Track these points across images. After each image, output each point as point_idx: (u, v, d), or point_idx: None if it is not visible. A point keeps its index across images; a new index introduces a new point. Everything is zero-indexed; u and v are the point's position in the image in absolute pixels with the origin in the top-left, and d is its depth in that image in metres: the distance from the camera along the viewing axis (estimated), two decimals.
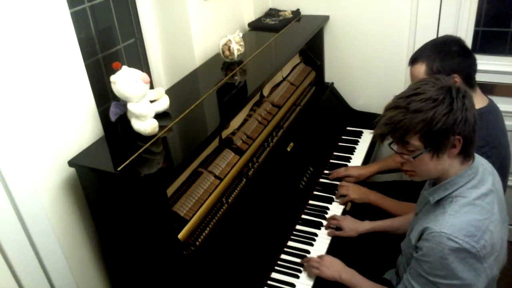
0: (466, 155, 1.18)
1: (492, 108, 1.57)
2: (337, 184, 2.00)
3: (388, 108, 1.18)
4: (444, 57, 1.48)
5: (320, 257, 1.59)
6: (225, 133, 1.74)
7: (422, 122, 1.12)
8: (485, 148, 1.46)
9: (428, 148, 1.15)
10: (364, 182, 2.06)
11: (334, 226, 1.75)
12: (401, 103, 1.15)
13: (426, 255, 1.17)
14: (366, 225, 1.71)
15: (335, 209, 1.87)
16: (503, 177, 1.53)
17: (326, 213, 1.85)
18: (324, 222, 1.79)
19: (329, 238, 1.73)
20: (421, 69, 1.52)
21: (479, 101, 1.54)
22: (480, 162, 1.24)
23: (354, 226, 1.71)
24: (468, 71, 1.50)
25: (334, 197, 1.93)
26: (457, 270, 1.12)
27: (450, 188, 1.20)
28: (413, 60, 1.56)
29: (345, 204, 1.88)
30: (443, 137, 1.13)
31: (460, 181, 1.19)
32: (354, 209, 1.86)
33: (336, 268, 1.52)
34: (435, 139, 1.13)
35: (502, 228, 1.21)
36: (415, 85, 1.18)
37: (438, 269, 1.15)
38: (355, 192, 1.88)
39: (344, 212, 1.85)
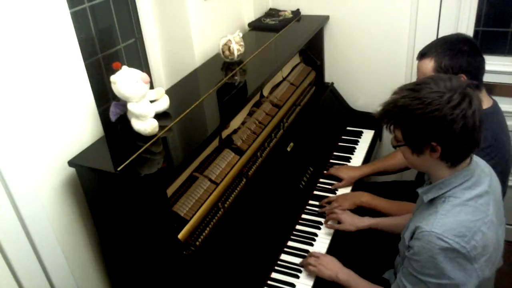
0: (452, 163, 1.16)
1: (496, 110, 1.56)
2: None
3: (392, 94, 1.19)
4: (454, 55, 1.46)
5: (317, 255, 1.59)
6: (225, 133, 1.74)
7: (403, 119, 1.15)
8: (489, 149, 1.45)
9: (407, 144, 1.18)
10: (363, 182, 2.07)
11: (333, 220, 1.76)
12: (396, 95, 1.17)
13: (416, 254, 1.17)
14: (365, 221, 1.71)
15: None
16: (505, 178, 1.53)
17: (324, 214, 1.85)
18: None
19: (329, 238, 1.73)
20: (429, 64, 1.50)
21: (484, 102, 1.52)
22: (478, 163, 1.24)
23: (353, 221, 1.71)
24: (476, 72, 1.48)
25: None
26: (446, 269, 1.12)
27: (444, 188, 1.19)
28: (422, 55, 1.54)
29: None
30: (421, 139, 1.14)
31: (455, 181, 1.18)
32: (356, 209, 1.86)
33: (333, 268, 1.52)
34: (413, 138, 1.16)
35: (498, 229, 1.21)
36: (422, 80, 1.17)
37: (428, 268, 1.15)
38: (345, 201, 1.83)
39: None
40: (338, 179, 2.01)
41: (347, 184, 1.98)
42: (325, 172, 2.05)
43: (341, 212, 1.75)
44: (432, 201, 1.23)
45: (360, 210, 1.84)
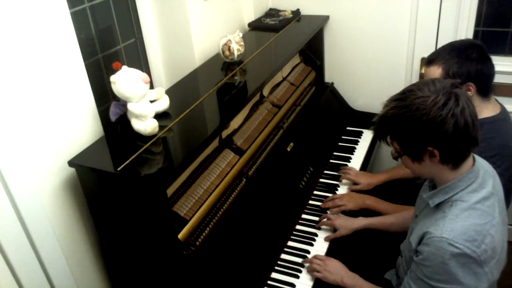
0: (454, 164, 1.16)
1: (504, 116, 1.53)
2: (337, 185, 2.00)
3: (382, 108, 1.19)
4: (463, 63, 1.43)
5: (323, 258, 1.58)
6: (225, 133, 1.74)
7: (396, 129, 1.16)
8: (495, 158, 1.42)
9: (406, 153, 1.19)
10: None
11: (327, 227, 1.74)
12: (386, 107, 1.17)
13: (426, 260, 1.16)
14: (359, 222, 1.70)
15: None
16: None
17: (326, 213, 1.85)
18: None
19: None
20: (437, 72, 1.47)
21: (492, 109, 1.51)
22: (481, 165, 1.23)
23: (347, 224, 1.70)
24: (485, 80, 1.46)
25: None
26: (458, 275, 1.11)
27: (450, 192, 1.19)
28: (430, 61, 1.51)
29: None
30: (417, 146, 1.14)
31: (460, 185, 1.17)
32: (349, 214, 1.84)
33: (338, 273, 1.51)
34: (410, 147, 1.16)
35: (502, 230, 1.20)
36: (407, 88, 1.17)
37: (439, 273, 1.14)
38: (351, 201, 1.84)
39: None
40: (337, 181, 2.02)
41: (363, 189, 1.96)
42: (340, 178, 2.03)
43: (335, 218, 1.74)
44: (438, 206, 1.21)
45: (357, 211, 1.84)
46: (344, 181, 2.02)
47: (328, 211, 1.85)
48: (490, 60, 1.47)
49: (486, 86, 1.48)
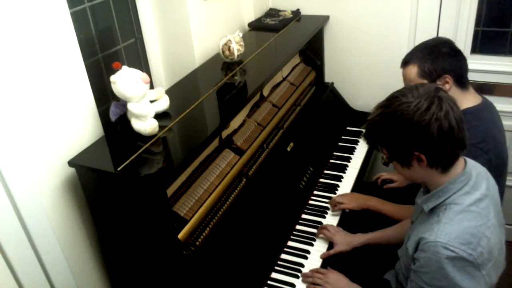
0: (443, 168, 1.16)
1: (486, 106, 1.58)
2: (337, 185, 2.00)
3: (370, 114, 1.20)
4: (436, 58, 1.51)
5: (324, 272, 1.53)
6: (225, 133, 1.74)
7: (383, 136, 1.17)
8: (482, 145, 1.46)
9: (394, 159, 1.19)
10: (363, 183, 2.06)
11: (324, 237, 1.70)
12: (373, 115, 1.18)
13: (424, 266, 1.15)
14: (360, 238, 1.65)
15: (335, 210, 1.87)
16: (501, 175, 1.53)
17: (326, 213, 1.85)
18: (324, 222, 1.79)
19: None
20: (413, 70, 1.55)
21: (472, 99, 1.56)
22: (474, 166, 1.22)
23: (347, 241, 1.65)
24: (460, 71, 1.53)
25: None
26: (456, 279, 1.10)
27: (443, 195, 1.18)
28: (405, 62, 1.59)
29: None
30: (404, 152, 1.15)
31: (453, 188, 1.17)
32: (352, 214, 1.83)
33: (339, 285, 1.48)
34: (397, 152, 1.17)
35: (499, 232, 1.20)
36: (391, 95, 1.18)
37: (438, 279, 1.13)
38: (352, 200, 1.82)
39: (342, 216, 1.83)
40: (337, 187, 2.02)
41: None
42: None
43: (333, 233, 1.68)
44: (433, 210, 1.21)
45: (356, 216, 1.83)
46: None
47: (328, 211, 1.84)
48: (461, 53, 1.55)
49: (462, 77, 1.54)
